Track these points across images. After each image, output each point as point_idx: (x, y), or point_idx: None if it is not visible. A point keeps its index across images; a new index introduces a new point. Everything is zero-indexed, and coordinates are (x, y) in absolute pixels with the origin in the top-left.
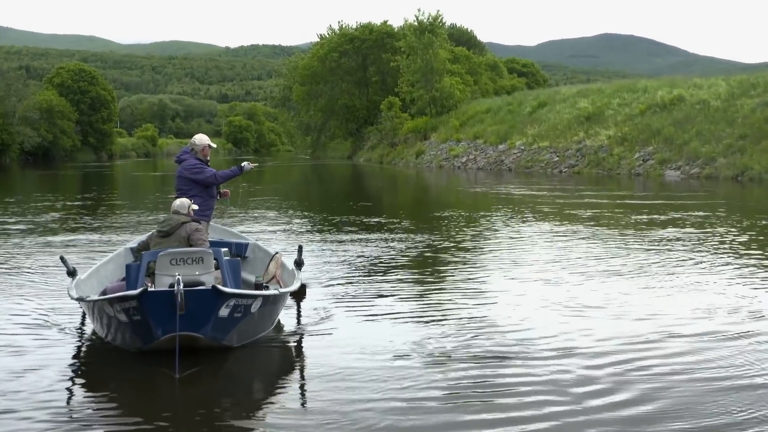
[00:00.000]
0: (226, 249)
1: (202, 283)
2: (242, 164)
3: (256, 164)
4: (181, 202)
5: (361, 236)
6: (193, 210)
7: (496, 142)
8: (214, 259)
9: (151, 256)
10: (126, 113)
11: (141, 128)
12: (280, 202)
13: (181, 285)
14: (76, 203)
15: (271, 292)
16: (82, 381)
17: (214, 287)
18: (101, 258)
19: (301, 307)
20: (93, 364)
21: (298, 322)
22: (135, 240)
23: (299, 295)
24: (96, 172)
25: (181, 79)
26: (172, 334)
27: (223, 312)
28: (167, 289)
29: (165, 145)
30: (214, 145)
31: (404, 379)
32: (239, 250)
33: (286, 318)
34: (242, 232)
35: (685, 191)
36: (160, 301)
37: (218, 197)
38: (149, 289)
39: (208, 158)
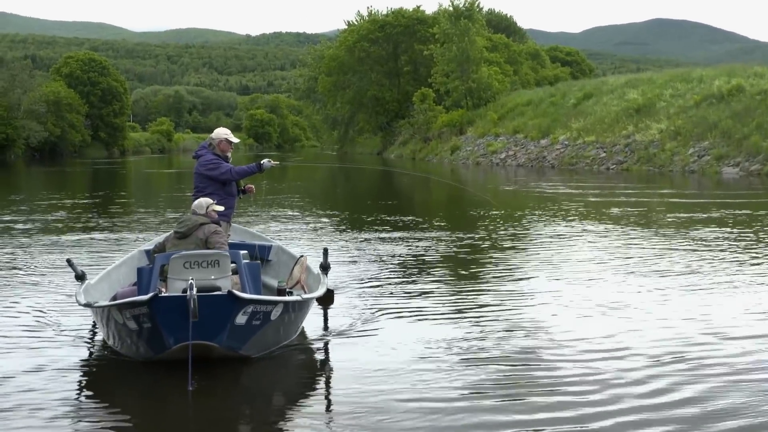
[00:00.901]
0: (245, 251)
1: (217, 288)
2: (262, 161)
3: (278, 162)
4: (199, 202)
5: (391, 237)
6: (216, 210)
7: (538, 137)
8: (232, 262)
9: (164, 259)
10: (139, 106)
11: (155, 122)
12: (304, 200)
13: (194, 290)
14: (85, 201)
15: (293, 298)
16: (89, 393)
17: (230, 292)
18: (114, 261)
19: (328, 314)
20: (101, 375)
21: (325, 330)
22: (152, 242)
23: (326, 301)
24: (107, 169)
25: (199, 69)
26: (184, 343)
27: (240, 319)
28: (179, 294)
29: (181, 141)
30: (235, 140)
31: (440, 408)
32: (262, 253)
33: (311, 326)
34: (263, 233)
35: (744, 190)
36: (171, 307)
37: (241, 195)
38: (161, 294)
39: (228, 154)
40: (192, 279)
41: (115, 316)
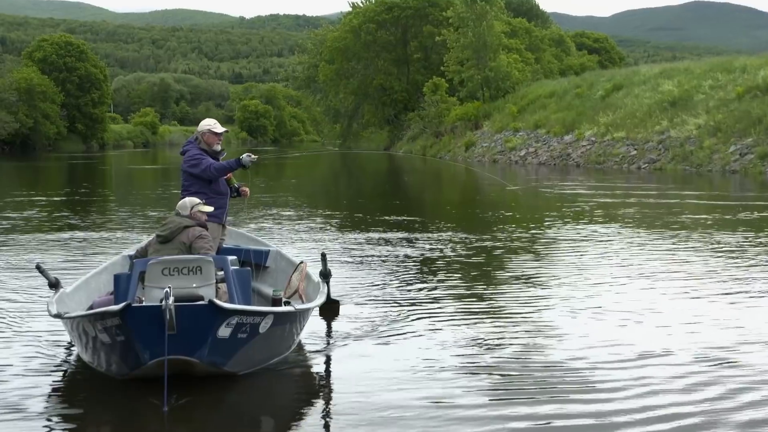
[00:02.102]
0: (234, 257)
1: (200, 298)
2: (241, 156)
3: (257, 157)
4: (183, 202)
5: (400, 242)
6: (204, 211)
7: (562, 133)
8: (219, 268)
9: (142, 265)
10: (121, 95)
11: (139, 113)
12: (303, 200)
13: (171, 299)
14: (60, 199)
15: (285, 309)
16: (58, 413)
17: (210, 302)
18: (93, 266)
19: (332, 326)
20: (71, 394)
21: (325, 344)
22: (135, 246)
23: (330, 312)
24: (84, 164)
25: (187, 54)
26: (160, 358)
27: (223, 332)
28: (155, 304)
29: (167, 134)
30: (222, 130)
31: (452, 422)
32: (258, 259)
33: (310, 338)
34: (259, 235)
35: None
36: (146, 318)
37: (234, 195)
38: (135, 304)
39: (216, 147)
40: (169, 287)
41: (86, 329)
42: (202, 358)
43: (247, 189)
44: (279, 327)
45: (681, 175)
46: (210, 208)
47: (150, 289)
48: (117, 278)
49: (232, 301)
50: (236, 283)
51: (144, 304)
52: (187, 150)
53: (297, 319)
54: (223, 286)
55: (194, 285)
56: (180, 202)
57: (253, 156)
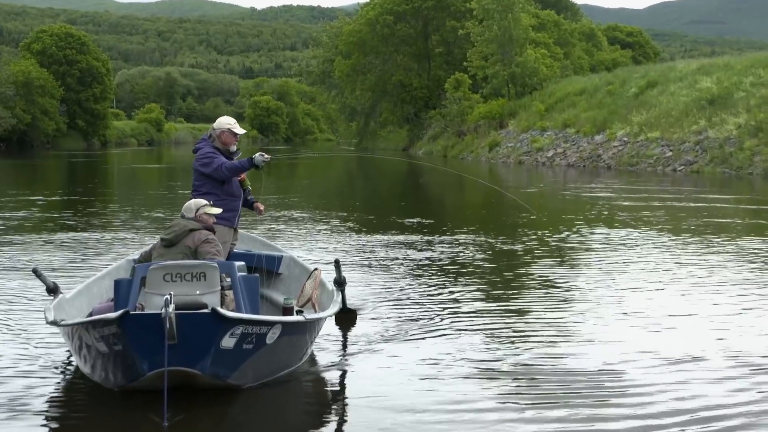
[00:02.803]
0: (242, 263)
1: (203, 306)
2: (254, 155)
3: (270, 157)
4: (189, 204)
5: (418, 246)
6: (212, 214)
7: (592, 132)
8: (225, 274)
9: (143, 270)
10: (124, 90)
11: (143, 109)
12: (316, 202)
13: (171, 306)
14: (59, 199)
15: (293, 318)
16: (53, 427)
17: (214, 310)
18: (95, 270)
19: (347, 336)
20: (67, 407)
21: (341, 356)
22: (140, 250)
23: (347, 321)
24: (85, 163)
25: (195, 47)
26: (160, 369)
27: (227, 342)
28: (154, 311)
29: (173, 131)
30: (241, 131)
31: None
32: (271, 265)
33: (324, 349)
34: (272, 240)
35: None
36: (144, 326)
37: (248, 199)
38: (135, 311)
39: (232, 147)
40: (170, 294)
41: (83, 337)
42: (204, 369)
43: (262, 206)
44: (288, 338)
45: (719, 179)
46: (218, 210)
47: (150, 296)
48: (117, 284)
49: (239, 310)
50: (244, 290)
51: (144, 311)
52: (199, 147)
53: (308, 329)
54: (230, 294)
55: (197, 292)
56: (186, 204)
57: (266, 155)
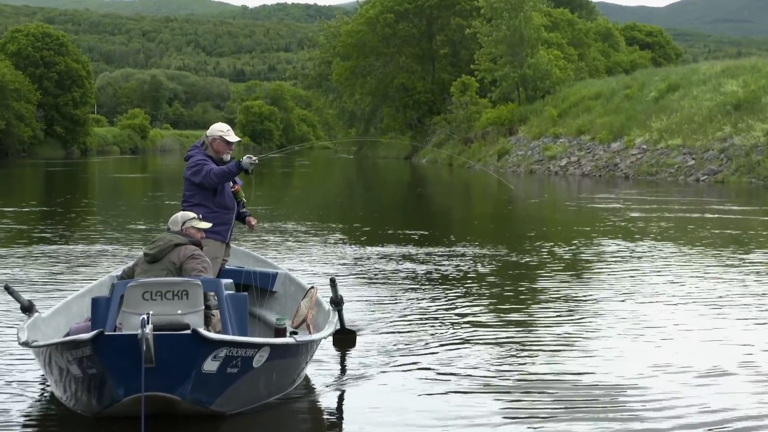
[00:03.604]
0: (229, 280)
1: (185, 326)
2: (241, 159)
3: (257, 159)
4: (175, 217)
5: (422, 260)
6: (201, 228)
7: (609, 140)
8: (212, 293)
9: (123, 288)
10: (106, 94)
11: (126, 115)
12: (313, 214)
13: (149, 327)
14: (36, 210)
15: (283, 340)
16: None
17: (194, 331)
18: (77, 288)
19: (345, 358)
20: None
21: (337, 379)
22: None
23: (346, 343)
24: (64, 172)
25: (182, 48)
26: (137, 394)
27: (210, 366)
28: (130, 332)
29: (159, 138)
30: (235, 138)
31: None
32: (265, 283)
33: (319, 373)
34: (266, 256)
35: None
36: (120, 348)
37: (242, 208)
38: (111, 332)
39: (225, 156)
40: (148, 313)
41: (56, 359)
42: (184, 395)
43: (254, 221)
44: (277, 361)
45: (746, 189)
46: (207, 225)
47: (128, 316)
48: (95, 302)
49: (225, 331)
50: (231, 310)
51: (121, 332)
52: (191, 155)
53: (299, 352)
54: (217, 314)
55: (179, 311)
56: (172, 217)
57: (253, 158)
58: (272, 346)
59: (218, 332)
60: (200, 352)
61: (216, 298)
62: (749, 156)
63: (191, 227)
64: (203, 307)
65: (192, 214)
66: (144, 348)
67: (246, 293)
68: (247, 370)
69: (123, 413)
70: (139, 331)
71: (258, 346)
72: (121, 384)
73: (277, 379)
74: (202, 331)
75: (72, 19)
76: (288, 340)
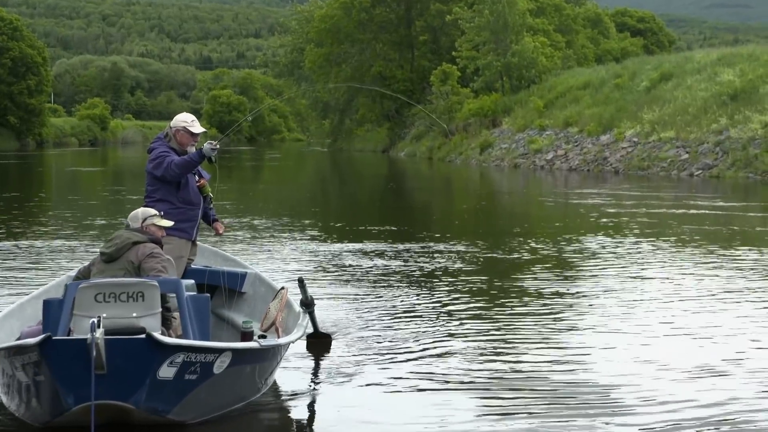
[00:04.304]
0: (191, 281)
1: (140, 330)
2: (202, 147)
3: (217, 143)
4: (135, 214)
5: (402, 259)
6: (162, 226)
7: (597, 132)
8: (171, 294)
9: (75, 289)
10: (64, 82)
11: (85, 104)
12: (285, 210)
13: (99, 331)
14: None
15: (245, 345)
16: None
17: (148, 335)
18: (32, 290)
19: (319, 363)
20: None
21: (309, 385)
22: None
23: (319, 346)
24: (17, 165)
25: (145, 34)
26: (86, 403)
27: (166, 372)
28: (79, 337)
29: (120, 130)
30: (199, 130)
31: None
32: (233, 283)
33: (289, 379)
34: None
35: None
36: (69, 354)
37: (210, 204)
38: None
39: (189, 149)
40: (99, 317)
41: (2, 365)
42: (138, 403)
43: (221, 226)
44: (240, 367)
45: (742, 184)
46: (169, 223)
47: (80, 319)
48: (47, 304)
49: (186, 335)
50: (192, 312)
51: (68, 337)
52: (153, 148)
53: (265, 357)
54: (178, 317)
55: (134, 314)
56: (132, 213)
57: (214, 143)
58: (234, 350)
59: (178, 336)
60: (155, 357)
61: (176, 299)
62: (746, 149)
63: (152, 224)
64: (160, 309)
65: (153, 211)
66: (94, 353)
67: (208, 294)
68: (207, 377)
69: (73, 423)
70: (89, 336)
71: (219, 351)
72: (71, 392)
73: (241, 386)
74: (157, 335)
75: (26, 2)
76: (251, 344)
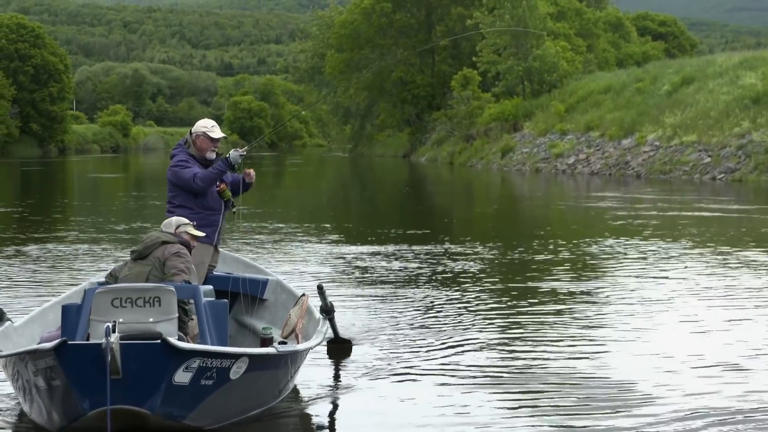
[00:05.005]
0: (209, 287)
1: (156, 335)
2: (228, 154)
3: (245, 150)
4: (170, 221)
5: (423, 263)
6: (194, 235)
7: (619, 136)
8: (189, 300)
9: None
10: (85, 89)
11: (107, 111)
12: (307, 215)
13: (114, 336)
14: (7, 211)
15: (262, 350)
16: None
17: (164, 340)
18: (59, 294)
19: (339, 368)
20: None
21: (330, 390)
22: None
23: (339, 352)
24: (40, 172)
25: (166, 41)
26: (102, 408)
27: (182, 377)
28: (95, 341)
29: (141, 136)
30: (219, 135)
31: None
32: (255, 290)
33: (310, 384)
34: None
35: None
36: (85, 358)
37: (232, 207)
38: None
39: (209, 155)
40: (114, 321)
41: (20, 370)
42: (154, 408)
43: (251, 171)
44: (257, 372)
45: (765, 188)
46: (201, 234)
47: (97, 324)
48: (65, 310)
49: (203, 340)
50: (210, 318)
51: (80, 341)
52: (175, 154)
53: (283, 363)
54: (195, 322)
55: (150, 319)
56: (166, 220)
57: (240, 150)
58: (251, 356)
59: (194, 337)
60: (170, 362)
61: (194, 305)
62: None
63: (185, 232)
64: (177, 314)
65: (186, 220)
66: (109, 358)
67: (226, 300)
68: (223, 382)
69: (89, 428)
70: (104, 340)
71: (235, 357)
72: (86, 397)
73: (258, 392)
74: (172, 340)
75: (48, 9)
76: (269, 350)
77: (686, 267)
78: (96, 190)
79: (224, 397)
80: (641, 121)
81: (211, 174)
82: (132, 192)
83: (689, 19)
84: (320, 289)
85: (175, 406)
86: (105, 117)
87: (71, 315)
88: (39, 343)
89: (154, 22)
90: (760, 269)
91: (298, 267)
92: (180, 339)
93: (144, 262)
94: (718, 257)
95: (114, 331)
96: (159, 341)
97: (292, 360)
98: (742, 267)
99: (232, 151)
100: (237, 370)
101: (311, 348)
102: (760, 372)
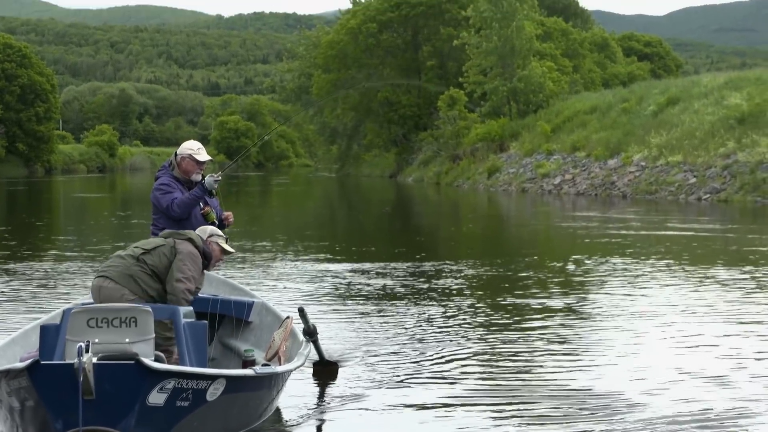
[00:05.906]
0: (189, 308)
1: (132, 356)
2: (204, 179)
3: (219, 176)
4: (204, 228)
5: (408, 286)
6: (223, 248)
7: (605, 156)
8: (167, 319)
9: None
10: (72, 109)
11: (93, 131)
12: (293, 236)
13: (87, 356)
14: None
15: (240, 372)
16: None
17: (137, 360)
18: (43, 314)
19: (325, 390)
20: None
21: (315, 409)
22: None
23: (326, 375)
24: (25, 192)
25: (153, 60)
26: (75, 429)
27: (156, 398)
28: (67, 361)
29: (128, 156)
30: (205, 157)
31: None
32: (240, 312)
33: (293, 406)
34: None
35: None
36: (57, 378)
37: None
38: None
39: (194, 177)
40: (87, 341)
41: None
42: (127, 429)
43: (229, 214)
44: (235, 394)
45: (751, 208)
46: (231, 250)
47: (72, 344)
48: (43, 330)
49: (182, 362)
50: (189, 339)
51: (52, 361)
52: (159, 176)
53: (262, 385)
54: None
55: (127, 340)
56: (201, 227)
57: (215, 175)
58: (228, 378)
59: (174, 363)
60: (144, 383)
61: (174, 325)
62: (754, 173)
63: (215, 243)
64: (153, 335)
65: (221, 233)
66: (81, 378)
67: (206, 321)
68: (199, 404)
69: None
70: (76, 360)
71: (212, 378)
72: (59, 417)
73: (237, 414)
74: (146, 360)
75: (35, 29)
76: (246, 372)
77: (670, 284)
78: (82, 210)
79: (201, 418)
80: (627, 142)
81: (187, 200)
82: (117, 211)
83: (674, 40)
84: (302, 311)
85: (149, 427)
86: (91, 137)
87: (49, 335)
88: None
89: (141, 42)
90: (742, 286)
91: (284, 285)
92: (158, 359)
93: (158, 250)
94: (701, 275)
95: (87, 351)
96: (133, 361)
97: (273, 382)
98: (724, 284)
99: (207, 177)
100: (214, 392)
101: (292, 370)
102: (742, 383)
